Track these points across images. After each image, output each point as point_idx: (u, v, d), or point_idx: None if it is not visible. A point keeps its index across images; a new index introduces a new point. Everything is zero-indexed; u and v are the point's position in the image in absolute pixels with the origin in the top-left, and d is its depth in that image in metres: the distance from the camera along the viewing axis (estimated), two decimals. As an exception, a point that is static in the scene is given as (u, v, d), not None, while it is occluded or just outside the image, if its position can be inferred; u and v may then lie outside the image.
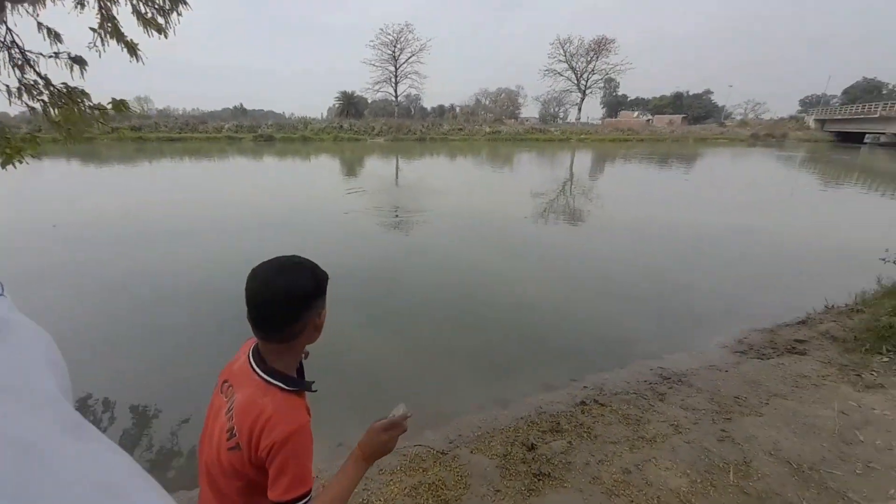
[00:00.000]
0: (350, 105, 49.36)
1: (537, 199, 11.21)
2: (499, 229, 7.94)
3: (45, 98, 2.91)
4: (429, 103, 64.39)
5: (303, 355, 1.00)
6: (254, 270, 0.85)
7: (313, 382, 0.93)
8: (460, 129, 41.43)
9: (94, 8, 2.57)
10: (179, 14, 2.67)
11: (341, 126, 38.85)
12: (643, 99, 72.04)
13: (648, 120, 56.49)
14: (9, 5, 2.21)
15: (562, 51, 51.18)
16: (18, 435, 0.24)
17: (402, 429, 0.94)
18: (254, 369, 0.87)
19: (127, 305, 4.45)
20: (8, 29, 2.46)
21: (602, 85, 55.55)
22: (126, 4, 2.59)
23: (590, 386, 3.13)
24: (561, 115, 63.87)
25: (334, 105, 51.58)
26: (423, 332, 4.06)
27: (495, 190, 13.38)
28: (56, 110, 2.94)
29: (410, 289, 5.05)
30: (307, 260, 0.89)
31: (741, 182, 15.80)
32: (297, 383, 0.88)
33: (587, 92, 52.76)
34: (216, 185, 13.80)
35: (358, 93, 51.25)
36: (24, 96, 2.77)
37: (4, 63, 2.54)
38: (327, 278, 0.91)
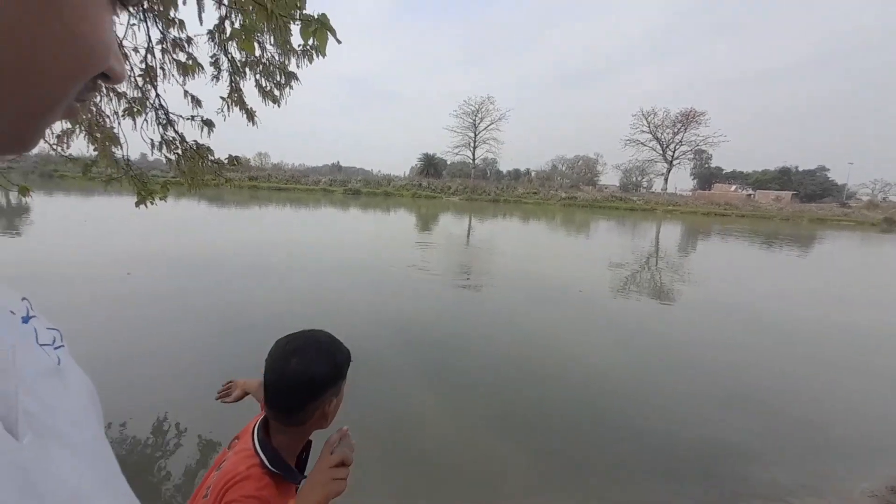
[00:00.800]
0: (430, 165, 53.32)
1: (616, 271, 10.36)
2: (576, 303, 7.32)
3: (179, 152, 3.38)
4: (505, 167, 66.91)
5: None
6: (277, 342, 0.84)
7: (304, 477, 0.86)
8: (535, 193, 41.84)
9: (226, 81, 2.99)
10: (291, 88, 2.99)
11: (420, 184, 41.72)
12: (741, 172, 66.82)
13: (750, 195, 51.67)
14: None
15: (645, 122, 50.71)
16: (72, 483, 0.27)
17: (339, 460, 0.82)
18: (253, 437, 0.83)
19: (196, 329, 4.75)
20: (157, 94, 2.96)
21: (692, 156, 53.05)
22: (251, 79, 2.98)
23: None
24: (644, 184, 61.50)
25: (416, 165, 56.13)
26: (482, 407, 3.62)
27: (570, 258, 12.75)
28: (185, 162, 3.39)
29: (475, 358, 4.68)
30: (331, 340, 0.86)
31: (884, 273, 13.10)
32: (283, 467, 0.81)
33: (674, 163, 50.64)
34: (305, 230, 15.23)
35: (439, 155, 55.43)
36: (164, 149, 3.24)
37: (151, 121, 3.02)
38: (349, 361, 0.87)
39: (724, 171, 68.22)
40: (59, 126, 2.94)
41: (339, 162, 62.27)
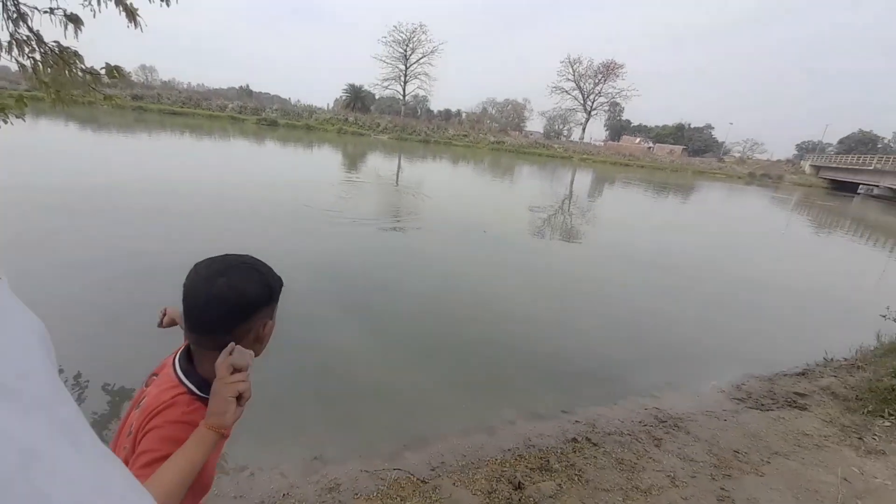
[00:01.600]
0: (357, 99, 49.26)
1: (535, 214, 11.13)
2: (496, 244, 7.81)
3: (37, 56, 2.68)
4: (436, 106, 64.49)
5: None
6: (196, 266, 0.77)
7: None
8: (465, 136, 41.52)
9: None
10: (189, -18, 2.48)
11: (346, 119, 38.63)
12: (646, 126, 73.12)
13: (650, 147, 57.35)
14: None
15: (571, 70, 51.79)
16: (20, 437, 0.24)
17: (229, 368, 0.72)
18: (175, 368, 0.79)
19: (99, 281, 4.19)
20: (-4, -25, 2.25)
21: (607, 108, 56.17)
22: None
23: (582, 421, 2.98)
24: (565, 132, 64.47)
25: (341, 97, 51.39)
26: (406, 343, 3.87)
27: (494, 200, 13.28)
28: (47, 70, 2.72)
29: (396, 296, 4.86)
30: (260, 262, 0.81)
31: (740, 219, 15.98)
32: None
33: (592, 113, 53.41)
34: (214, 164, 13.46)
35: (366, 87, 51.15)
36: (15, 51, 2.55)
37: (-7, 13, 2.32)
38: (281, 285, 0.83)
39: (631, 124, 74.02)
40: None
41: (248, 86, 54.09)
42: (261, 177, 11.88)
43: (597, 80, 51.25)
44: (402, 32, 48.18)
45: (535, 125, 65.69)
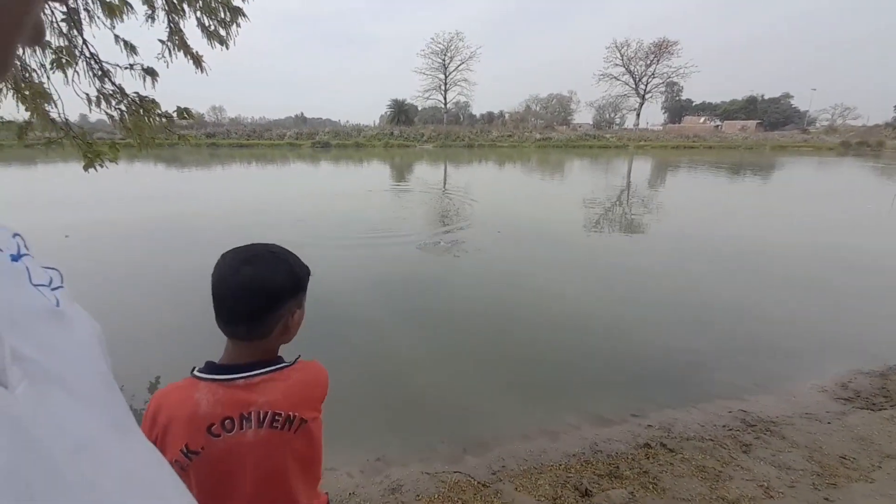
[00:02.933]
0: (401, 112, 50.84)
1: (590, 209, 10.61)
2: (549, 241, 7.55)
3: (123, 107, 3.10)
4: (478, 110, 64.62)
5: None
6: (223, 256, 0.76)
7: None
8: (509, 136, 41.02)
9: (163, 22, 2.68)
10: (239, 26, 2.73)
11: (392, 133, 40.05)
12: (710, 104, 67.00)
13: (717, 126, 52.35)
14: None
15: (618, 54, 49.11)
16: (74, 430, 0.25)
17: None
18: (243, 377, 0.75)
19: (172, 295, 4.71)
20: (85, 41, 2.64)
21: (663, 89, 52.38)
22: (191, 17, 2.69)
23: (655, 425, 2.74)
24: (617, 120, 61.05)
25: (386, 113, 53.38)
26: (467, 347, 3.84)
27: (544, 198, 12.89)
28: (130, 118, 3.13)
29: (450, 301, 4.86)
30: (286, 251, 0.80)
31: (834, 195, 13.95)
32: (287, 362, 0.82)
33: (647, 97, 50.07)
34: (279, 187, 14.61)
35: (409, 100, 52.72)
36: (103, 104, 2.97)
37: (85, 73, 2.73)
38: (308, 274, 0.82)
39: (693, 104, 68.20)
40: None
41: (303, 113, 58.37)
42: (319, 191, 12.68)
43: (649, 62, 48.09)
44: (440, 43, 49.10)
45: (583, 117, 63.11)
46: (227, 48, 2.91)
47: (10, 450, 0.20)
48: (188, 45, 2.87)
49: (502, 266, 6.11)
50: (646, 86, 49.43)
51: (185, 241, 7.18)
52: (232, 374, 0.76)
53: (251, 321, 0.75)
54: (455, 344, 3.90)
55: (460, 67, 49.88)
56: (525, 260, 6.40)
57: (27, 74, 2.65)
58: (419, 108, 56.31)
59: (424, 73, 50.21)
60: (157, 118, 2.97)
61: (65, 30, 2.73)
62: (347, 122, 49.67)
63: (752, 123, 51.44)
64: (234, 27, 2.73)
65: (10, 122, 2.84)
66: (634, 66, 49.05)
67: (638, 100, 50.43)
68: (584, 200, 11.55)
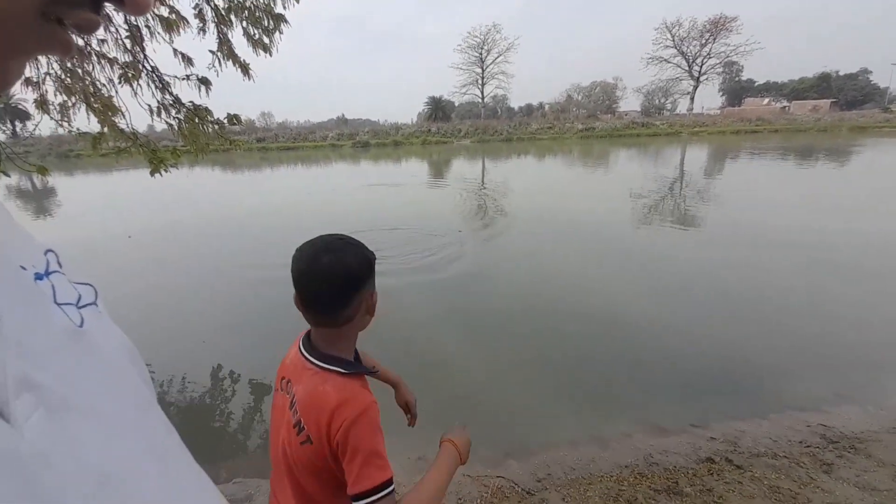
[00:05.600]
0: (438, 109, 50.98)
1: (639, 201, 10.01)
2: (597, 236, 7.21)
3: (180, 116, 3.30)
4: (516, 103, 63.41)
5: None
6: (299, 249, 0.81)
7: (375, 369, 0.94)
8: (549, 128, 39.81)
9: (213, 33, 2.81)
10: (281, 32, 2.81)
11: (429, 130, 40.29)
12: (776, 83, 61.07)
13: (784, 107, 47.63)
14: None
15: (669, 35, 46.03)
16: (96, 463, 0.24)
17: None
18: (307, 359, 0.82)
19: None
20: (146, 55, 2.82)
21: (721, 70, 48.51)
22: (237, 28, 2.80)
23: (720, 438, 2.51)
24: (668, 106, 57.26)
25: (423, 110, 53.78)
26: (513, 346, 3.74)
27: (589, 191, 12.35)
28: (186, 125, 3.32)
29: (494, 299, 4.77)
30: (353, 238, 0.84)
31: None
32: (356, 367, 0.83)
33: (702, 79, 46.60)
34: (320, 187, 15.18)
35: (446, 97, 52.76)
36: (163, 114, 3.17)
37: (148, 85, 2.93)
38: (375, 258, 0.86)
39: (756, 84, 62.43)
40: (58, 98, 2.89)
41: (344, 115, 60.40)
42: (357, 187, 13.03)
43: (704, 41, 44.70)
44: (476, 36, 48.54)
45: (630, 104, 59.84)
46: (271, 55, 3.01)
47: (10, 491, 0.18)
48: (236, 55, 3.00)
49: (545, 262, 5.91)
50: (700, 67, 46.03)
51: (242, 240, 7.63)
52: (308, 350, 0.84)
53: (335, 308, 0.79)
54: (499, 343, 3.81)
55: (497, 60, 49.13)
56: (571, 257, 6.16)
57: (96, 89, 2.88)
58: (456, 104, 56.19)
59: (461, 69, 50.02)
60: (211, 125, 3.13)
61: (129, 46, 2.94)
62: (386, 121, 50.68)
63: (825, 103, 46.23)
64: (276, 34, 2.81)
65: (85, 133, 3.12)
66: (687, 47, 45.82)
67: (692, 83, 47.12)
68: (631, 192, 10.93)
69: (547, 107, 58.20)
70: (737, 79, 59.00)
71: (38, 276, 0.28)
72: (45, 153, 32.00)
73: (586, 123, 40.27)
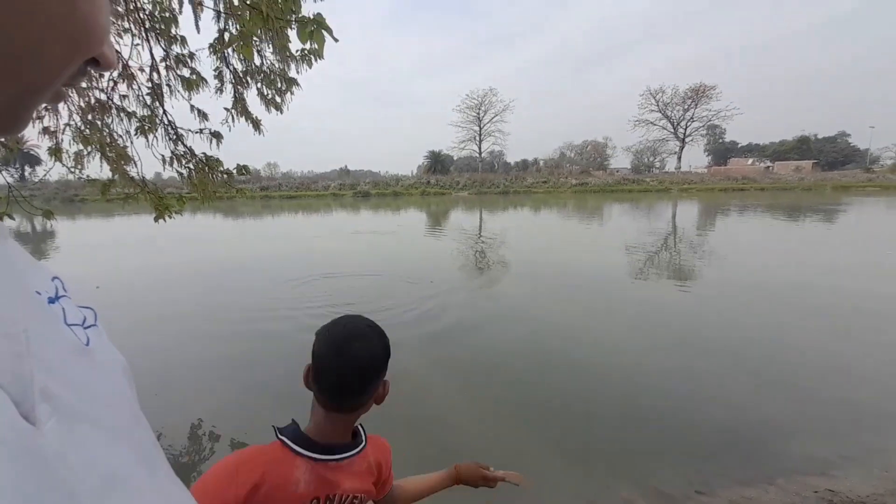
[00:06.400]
0: (437, 162, 53.26)
1: (634, 255, 10.18)
2: (594, 288, 7.23)
3: (191, 166, 3.44)
4: (512, 157, 66.38)
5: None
6: (324, 333, 0.81)
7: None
8: (544, 182, 41.40)
9: (230, 92, 3.03)
10: (292, 94, 3.02)
11: (428, 181, 41.76)
12: (758, 145, 64.79)
13: (768, 167, 50.07)
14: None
15: (653, 100, 49.52)
16: (103, 464, 0.26)
17: (494, 483, 1.10)
18: (340, 459, 0.81)
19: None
20: (164, 111, 3.02)
21: (704, 132, 51.61)
22: (253, 88, 3.02)
23: (727, 507, 2.35)
24: (657, 164, 60.19)
25: (423, 163, 56.12)
26: (504, 401, 3.61)
27: (584, 244, 12.58)
28: (196, 175, 3.46)
29: (485, 351, 4.67)
30: (374, 324, 0.85)
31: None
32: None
33: (687, 140, 49.41)
34: (320, 234, 15.40)
35: (445, 151, 55.35)
36: (175, 164, 3.31)
37: (161, 138, 3.09)
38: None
39: (739, 145, 66.15)
40: (74, 147, 3.03)
41: (346, 166, 62.84)
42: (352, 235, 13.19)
43: (686, 107, 48.03)
44: (474, 98, 52.03)
45: (620, 162, 62.85)
46: (282, 113, 3.22)
47: (35, 487, 0.21)
48: (249, 112, 3.20)
49: (542, 314, 5.87)
50: (685, 129, 49.02)
51: (240, 281, 7.59)
52: (331, 454, 0.80)
53: (359, 395, 0.80)
54: (490, 397, 3.67)
55: (494, 119, 52.28)
56: (568, 309, 6.13)
57: (113, 140, 3.04)
58: (455, 158, 58.83)
59: (460, 126, 53.04)
60: (220, 174, 3.26)
61: (149, 102, 3.15)
62: (387, 172, 52.70)
63: (807, 164, 48.69)
64: (288, 95, 3.03)
65: (95, 180, 3.23)
66: (671, 111, 49.13)
67: (678, 143, 49.85)
68: (626, 245, 11.14)
69: (542, 162, 61.00)
70: (720, 140, 62.60)
71: (51, 300, 0.32)
72: (50, 197, 32.72)
73: (580, 178, 42.01)
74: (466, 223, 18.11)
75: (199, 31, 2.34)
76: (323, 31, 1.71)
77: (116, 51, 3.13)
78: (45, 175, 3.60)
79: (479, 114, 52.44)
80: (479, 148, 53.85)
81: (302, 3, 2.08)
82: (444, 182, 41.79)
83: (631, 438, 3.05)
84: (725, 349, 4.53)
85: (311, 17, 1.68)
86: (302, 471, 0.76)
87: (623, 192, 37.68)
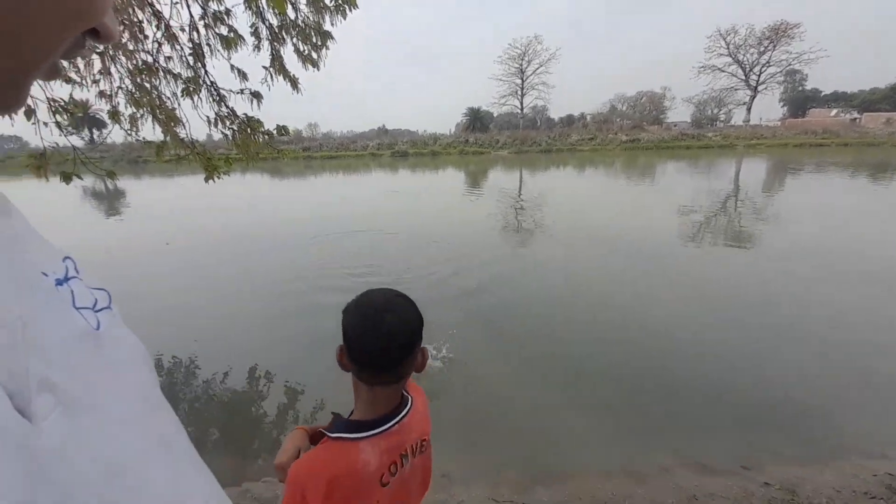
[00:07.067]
0: (476, 120, 51.25)
1: (688, 217, 9.48)
2: (641, 253, 6.88)
3: (235, 127, 3.51)
4: (557, 113, 62.50)
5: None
6: (358, 307, 0.80)
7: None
8: (591, 139, 38.87)
9: (267, 50, 2.98)
10: (328, 48, 2.93)
11: (467, 140, 40.60)
12: (845, 93, 56.21)
13: (855, 119, 43.65)
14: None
15: (723, 43, 43.75)
16: (108, 455, 0.26)
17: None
18: (394, 426, 0.81)
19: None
20: (206, 71, 3.04)
21: (781, 79, 45.38)
22: (289, 44, 2.95)
23: (774, 483, 2.26)
24: (722, 116, 54.19)
25: (462, 121, 54.25)
26: (548, 367, 3.60)
27: (633, 205, 11.86)
28: (239, 136, 3.53)
29: (527, 315, 4.64)
30: (402, 293, 0.85)
31: None
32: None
33: (759, 89, 43.80)
34: (363, 196, 15.66)
35: (484, 108, 52.93)
36: (219, 125, 3.39)
37: (205, 99, 3.14)
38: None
39: (822, 94, 57.77)
40: (128, 110, 3.16)
41: (384, 125, 62.09)
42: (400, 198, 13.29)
43: (762, 49, 42.11)
44: (517, 47, 48.57)
45: (679, 115, 57.21)
46: (318, 70, 3.15)
47: (28, 483, 0.20)
48: (286, 70, 3.16)
49: (583, 280, 5.71)
50: (758, 76, 43.32)
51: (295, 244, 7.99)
52: (389, 423, 0.81)
53: (401, 364, 0.80)
54: (532, 362, 3.68)
55: (538, 71, 48.84)
56: (612, 275, 5.90)
57: (161, 101, 3.14)
58: (495, 115, 56.29)
59: (501, 80, 50.10)
60: (262, 135, 3.30)
61: (191, 63, 3.18)
62: (425, 131, 51.56)
63: (905, 114, 41.80)
64: (323, 50, 2.94)
65: (150, 142, 3.39)
66: (744, 55, 43.34)
67: (748, 92, 44.43)
68: (680, 208, 10.37)
69: (589, 117, 56.94)
70: (800, 88, 54.96)
71: (59, 282, 0.30)
72: (118, 159, 35.41)
73: (631, 135, 38.94)
74: (507, 183, 17.60)
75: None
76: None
77: (157, 11, 3.16)
78: (105, 137, 3.82)
79: (521, 65, 49.08)
80: (521, 103, 50.95)
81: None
82: (483, 140, 40.40)
83: (672, 408, 2.97)
84: (784, 322, 4.20)
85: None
86: (367, 452, 0.77)
87: (680, 148, 34.62)
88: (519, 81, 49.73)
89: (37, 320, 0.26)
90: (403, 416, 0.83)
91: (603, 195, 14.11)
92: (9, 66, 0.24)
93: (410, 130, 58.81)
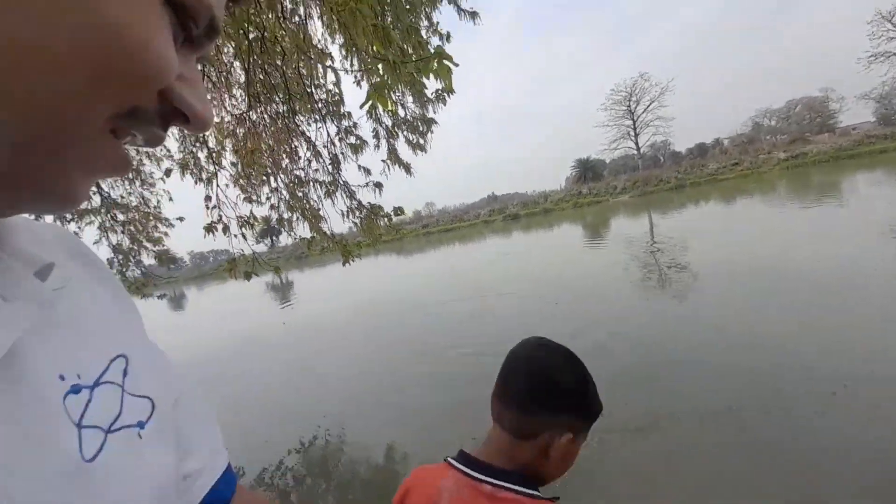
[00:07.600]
0: (587, 170, 49.78)
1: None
2: (833, 294, 5.21)
3: (362, 215, 4.04)
4: (683, 145, 56.61)
5: None
6: (520, 345, 0.75)
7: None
8: (735, 164, 33.57)
9: (384, 147, 3.47)
10: (432, 132, 3.24)
11: (580, 192, 39.34)
12: None
13: None
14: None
15: (889, 25, 34.93)
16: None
17: None
18: (456, 468, 0.69)
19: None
20: (340, 174, 3.65)
21: None
22: (401, 137, 3.38)
23: None
24: (925, 105, 41.23)
25: (571, 174, 53.32)
26: (692, 443, 2.76)
27: (814, 234, 9.35)
28: (364, 222, 4.02)
29: (687, 377, 3.76)
30: (567, 348, 0.73)
31: None
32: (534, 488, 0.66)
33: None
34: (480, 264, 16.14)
35: (594, 156, 51.36)
36: (351, 216, 3.94)
37: (341, 197, 3.74)
38: (601, 409, 0.72)
39: None
40: (286, 215, 3.95)
41: (493, 192, 65.29)
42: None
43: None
44: (620, 91, 47.26)
45: (854, 116, 45.76)
46: (425, 152, 3.48)
47: None
48: (401, 159, 3.58)
49: (755, 330, 4.48)
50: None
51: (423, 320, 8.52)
52: (484, 473, 0.68)
53: (520, 405, 0.69)
54: (676, 426, 2.86)
55: (650, 108, 46.07)
56: (792, 322, 4.52)
57: (310, 204, 3.84)
58: (607, 161, 53.99)
59: (608, 125, 48.66)
60: (382, 218, 3.72)
61: (331, 170, 3.88)
62: (533, 190, 52.17)
63: None
64: (428, 135, 3.27)
65: (304, 238, 4.13)
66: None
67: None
68: (891, 228, 7.75)
69: (726, 142, 49.86)
70: None
71: (75, 389, 0.26)
72: (288, 256, 44.66)
73: (790, 150, 32.40)
74: (632, 229, 16.03)
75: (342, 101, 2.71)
76: (445, 61, 1.72)
77: (308, 137, 4.05)
78: (279, 242, 4.78)
79: (629, 106, 47.15)
80: (637, 143, 48.01)
81: (429, 46, 2.20)
82: (597, 189, 38.66)
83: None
84: None
85: (432, 51, 1.71)
86: (449, 482, 0.69)
87: (871, 154, 27.06)
88: (630, 122, 47.53)
89: (4, 451, 0.22)
90: (507, 488, 0.70)
91: (770, 225, 11.57)
92: (45, 149, 0.19)
93: (519, 192, 60.33)
